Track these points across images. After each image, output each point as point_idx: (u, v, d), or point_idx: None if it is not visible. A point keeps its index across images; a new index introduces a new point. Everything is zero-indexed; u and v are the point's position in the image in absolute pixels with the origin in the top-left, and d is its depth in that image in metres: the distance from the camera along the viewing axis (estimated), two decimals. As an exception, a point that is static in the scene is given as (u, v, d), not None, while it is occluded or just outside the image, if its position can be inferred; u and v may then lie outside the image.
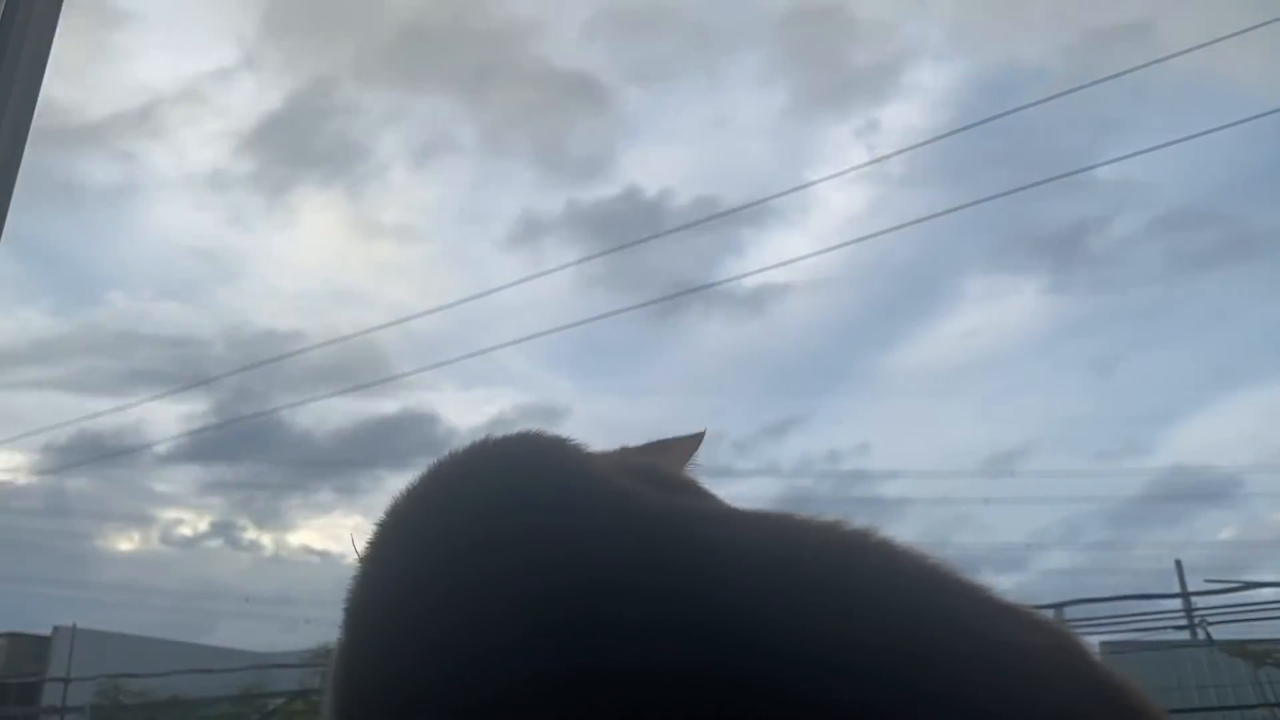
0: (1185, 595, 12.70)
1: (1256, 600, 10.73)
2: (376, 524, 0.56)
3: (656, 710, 0.43)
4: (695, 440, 0.67)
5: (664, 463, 0.61)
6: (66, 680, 14.99)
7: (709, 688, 0.43)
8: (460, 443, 0.62)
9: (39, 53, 1.12)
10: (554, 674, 0.44)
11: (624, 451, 0.63)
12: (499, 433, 0.61)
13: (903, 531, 0.50)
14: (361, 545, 0.55)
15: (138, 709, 15.05)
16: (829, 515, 0.51)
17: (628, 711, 0.43)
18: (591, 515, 0.50)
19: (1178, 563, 16.00)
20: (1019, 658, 0.44)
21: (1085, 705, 0.43)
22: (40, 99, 1.12)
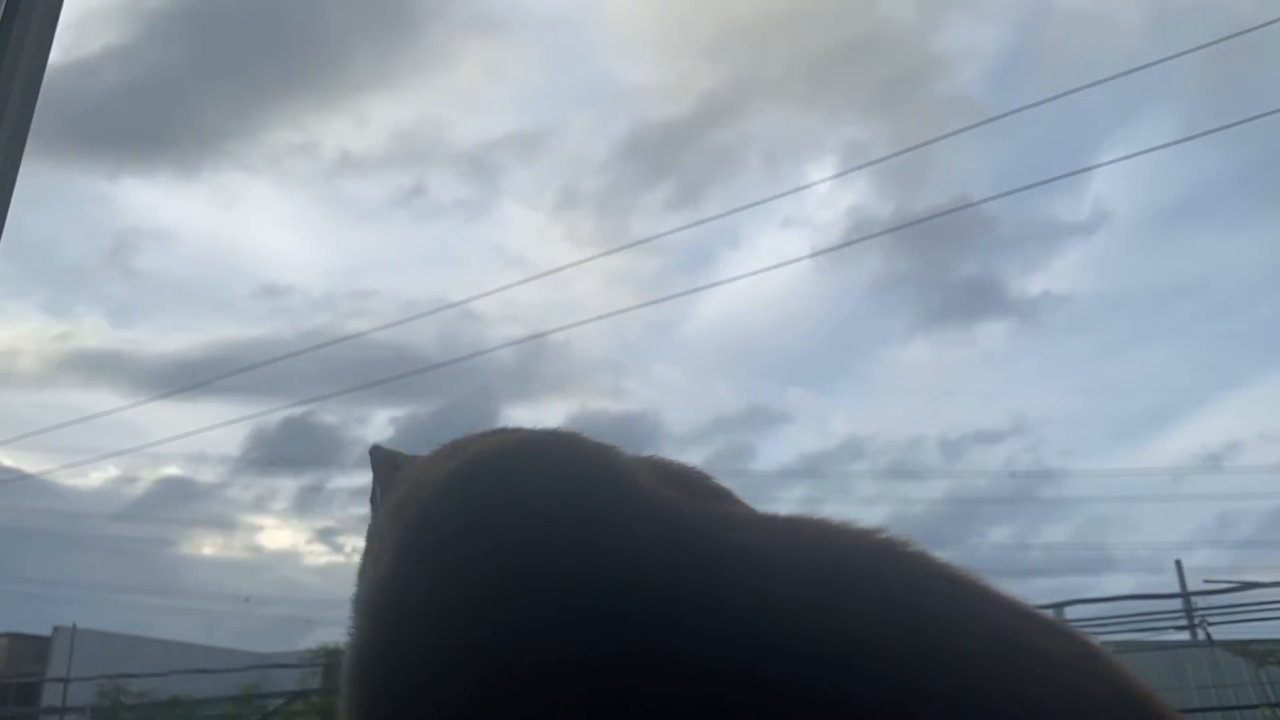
0: (1185, 595, 12.70)
1: (1256, 600, 10.75)
2: (404, 519, 0.57)
3: (676, 706, 0.44)
4: None
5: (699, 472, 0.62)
6: (66, 680, 14.99)
7: (727, 685, 0.44)
8: (488, 435, 0.63)
9: (39, 53, 1.12)
10: (576, 661, 0.46)
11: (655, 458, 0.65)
12: (526, 427, 0.63)
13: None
14: (391, 538, 0.57)
15: (138, 709, 15.05)
16: (866, 523, 0.52)
17: (649, 706, 0.45)
18: (623, 520, 0.52)
19: (1178, 563, 16.01)
20: (1046, 664, 0.45)
21: (1110, 711, 0.44)
22: (38, 100, 1.12)
